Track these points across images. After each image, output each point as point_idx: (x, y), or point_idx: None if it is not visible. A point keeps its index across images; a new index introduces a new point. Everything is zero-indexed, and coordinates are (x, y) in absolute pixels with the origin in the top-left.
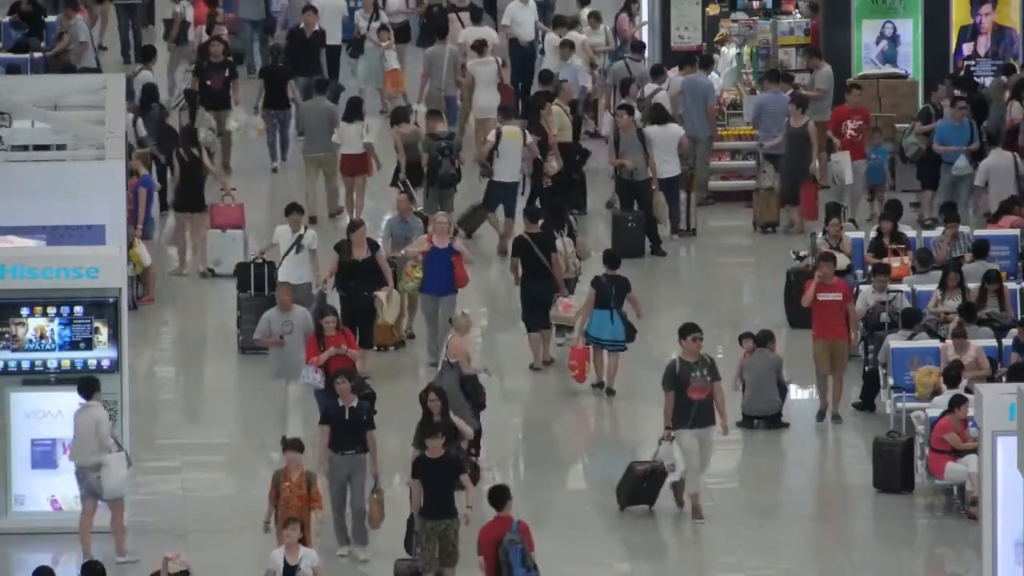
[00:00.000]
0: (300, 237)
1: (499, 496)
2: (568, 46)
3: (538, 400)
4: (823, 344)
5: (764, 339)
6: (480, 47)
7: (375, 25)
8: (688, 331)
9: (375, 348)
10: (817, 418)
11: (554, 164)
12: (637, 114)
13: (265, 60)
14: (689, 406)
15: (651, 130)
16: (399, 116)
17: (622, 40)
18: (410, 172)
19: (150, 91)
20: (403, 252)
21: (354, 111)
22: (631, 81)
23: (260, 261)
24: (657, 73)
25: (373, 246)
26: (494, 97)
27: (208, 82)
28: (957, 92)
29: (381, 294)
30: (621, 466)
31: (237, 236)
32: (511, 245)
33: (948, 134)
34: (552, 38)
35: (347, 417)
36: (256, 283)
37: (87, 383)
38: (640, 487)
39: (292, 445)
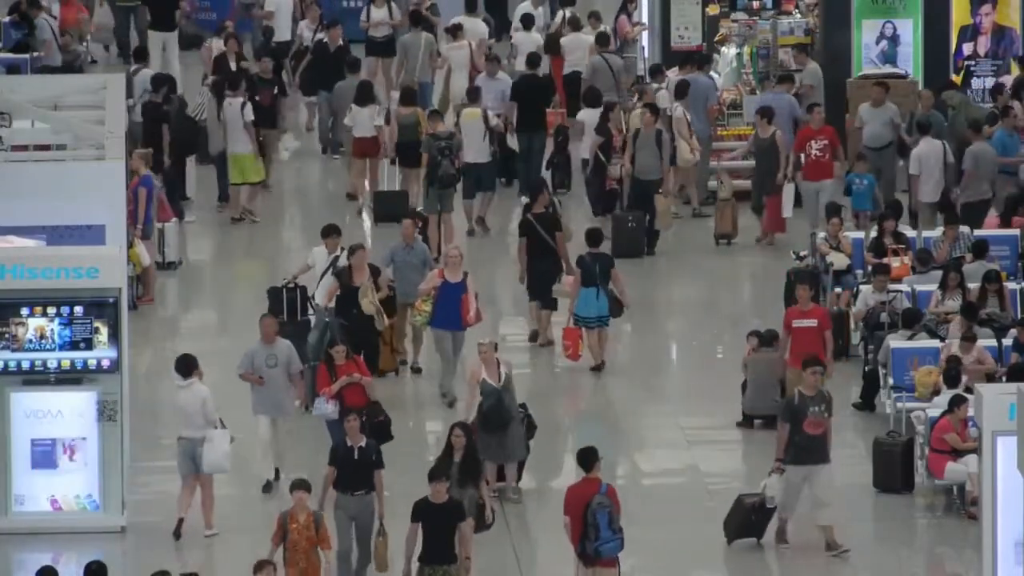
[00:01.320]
0: (336, 259)
1: (588, 457)
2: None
3: (550, 388)
4: (797, 373)
5: (770, 338)
6: (454, 31)
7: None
8: (809, 364)
9: (379, 374)
10: None
11: (618, 169)
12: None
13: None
14: (803, 440)
15: (584, 114)
16: (405, 98)
17: (622, 41)
18: (402, 154)
19: (167, 83)
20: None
21: (366, 95)
22: (659, 69)
23: (292, 285)
24: (655, 73)
25: (375, 271)
26: (467, 82)
27: (257, 97)
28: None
29: (367, 291)
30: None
31: None
32: (518, 226)
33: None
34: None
35: (356, 457)
36: (289, 308)
37: (184, 362)
38: (749, 520)
39: (299, 485)
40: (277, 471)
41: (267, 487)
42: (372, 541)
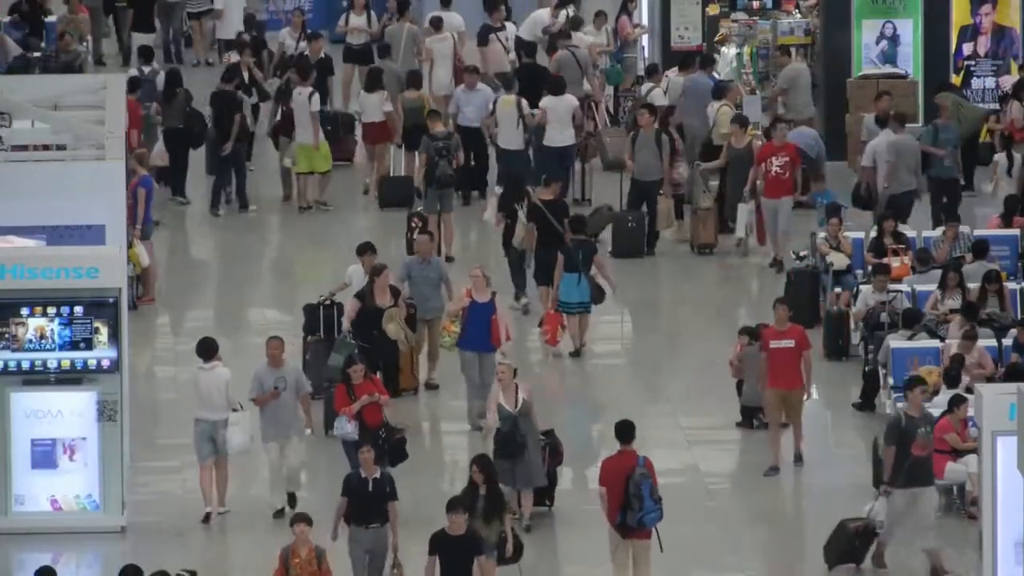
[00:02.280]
0: (384, 265)
1: (626, 430)
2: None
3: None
4: (775, 394)
5: (759, 333)
6: (437, 23)
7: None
8: (914, 384)
9: (397, 394)
10: (765, 473)
11: (682, 171)
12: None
13: None
14: (911, 463)
15: (546, 101)
16: (411, 81)
17: (623, 42)
18: (409, 137)
19: (174, 77)
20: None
21: (374, 81)
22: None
23: (328, 303)
24: (652, 73)
25: (395, 292)
26: (449, 74)
27: (285, 108)
28: None
29: (394, 316)
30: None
31: None
32: (526, 210)
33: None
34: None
35: (370, 488)
36: (325, 325)
37: (206, 345)
38: (852, 545)
39: (300, 519)
40: (292, 496)
41: (279, 513)
42: (387, 574)
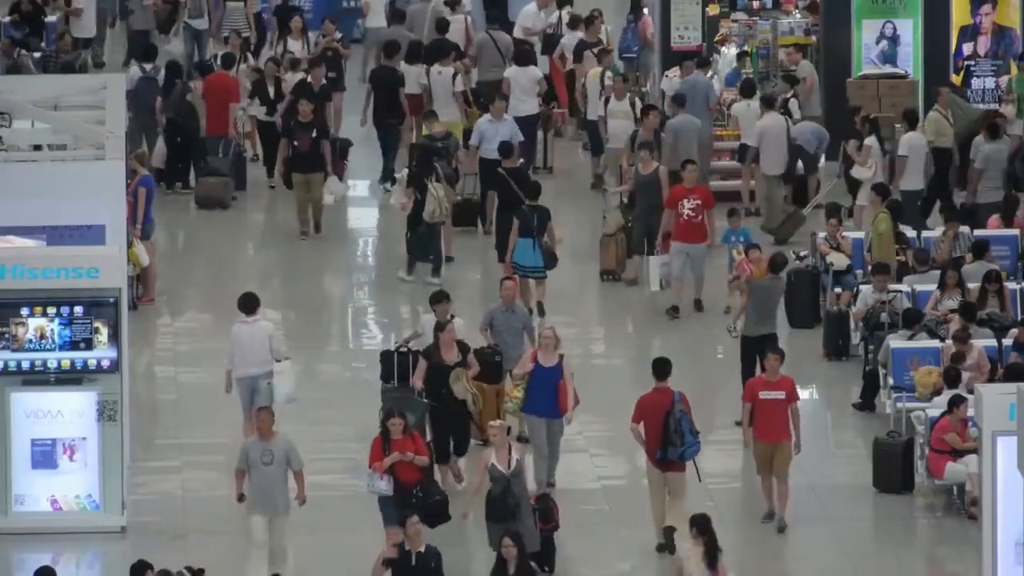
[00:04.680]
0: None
1: (663, 367)
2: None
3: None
4: (763, 448)
5: (781, 264)
6: (453, 3)
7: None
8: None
9: (482, 443)
10: (763, 520)
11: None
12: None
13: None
14: None
15: (511, 71)
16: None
17: (642, 42)
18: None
19: (174, 68)
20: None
21: (414, 53)
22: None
23: (404, 350)
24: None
25: (464, 348)
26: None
27: (295, 143)
28: None
29: (460, 376)
30: None
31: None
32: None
33: None
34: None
35: (413, 563)
36: (400, 373)
37: (248, 299)
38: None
39: None
40: None
41: None
42: None
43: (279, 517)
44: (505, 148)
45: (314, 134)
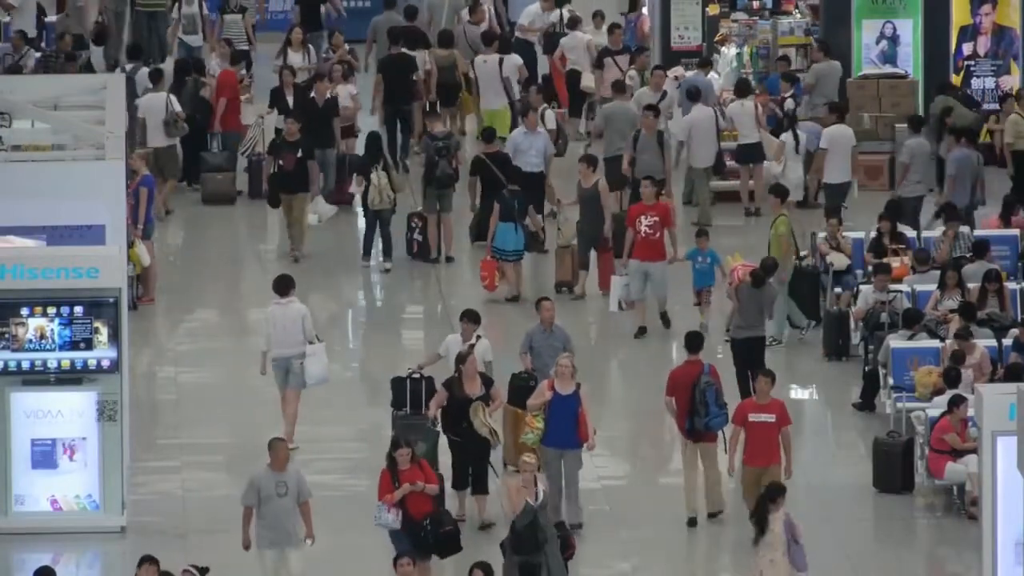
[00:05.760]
0: (472, 347)
1: (695, 340)
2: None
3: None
4: (752, 473)
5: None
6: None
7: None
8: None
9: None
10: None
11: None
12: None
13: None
14: None
15: (478, 60)
16: (443, 40)
17: (640, 40)
18: (442, 94)
19: (183, 65)
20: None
21: (447, 40)
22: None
23: (417, 376)
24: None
25: (487, 382)
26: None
27: (280, 162)
28: None
29: (479, 410)
30: None
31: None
32: (470, 164)
33: None
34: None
35: None
36: (412, 400)
37: (283, 281)
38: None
39: None
40: None
41: None
42: None
43: (293, 549)
44: (488, 133)
45: (299, 153)
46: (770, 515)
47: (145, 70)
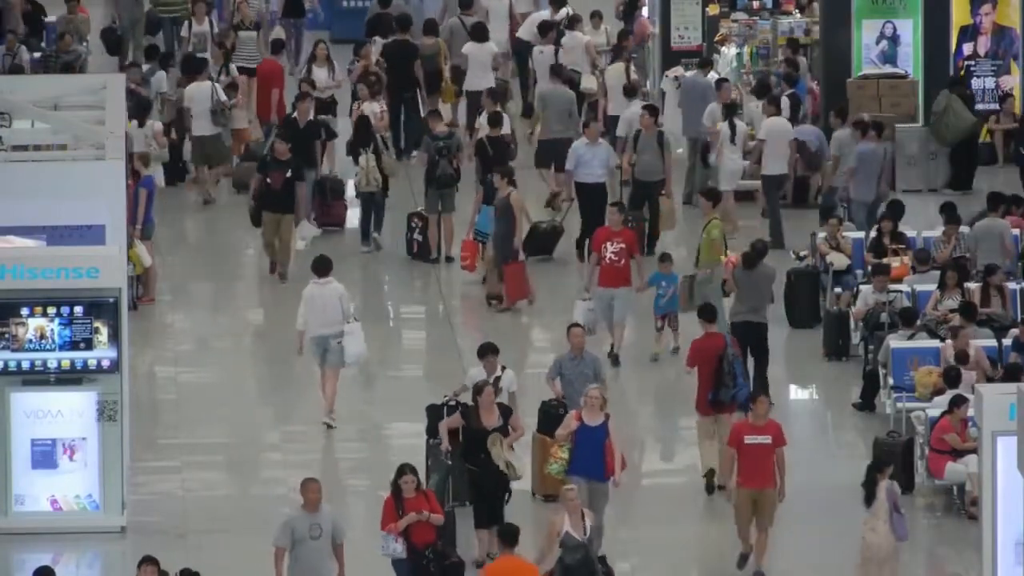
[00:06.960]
0: (497, 380)
1: (710, 312)
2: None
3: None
4: (746, 495)
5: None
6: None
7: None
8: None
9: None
10: (737, 564)
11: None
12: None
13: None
14: None
15: (468, 47)
16: (428, 29)
17: (640, 41)
18: (428, 83)
19: (191, 63)
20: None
21: (480, 33)
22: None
23: (454, 403)
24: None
25: (506, 412)
26: (505, 33)
27: (268, 180)
28: None
29: (496, 442)
30: None
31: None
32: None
33: None
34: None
35: None
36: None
37: (321, 261)
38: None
39: None
40: None
41: None
42: None
43: None
44: (494, 118)
45: (288, 174)
46: (878, 484)
47: (162, 73)
